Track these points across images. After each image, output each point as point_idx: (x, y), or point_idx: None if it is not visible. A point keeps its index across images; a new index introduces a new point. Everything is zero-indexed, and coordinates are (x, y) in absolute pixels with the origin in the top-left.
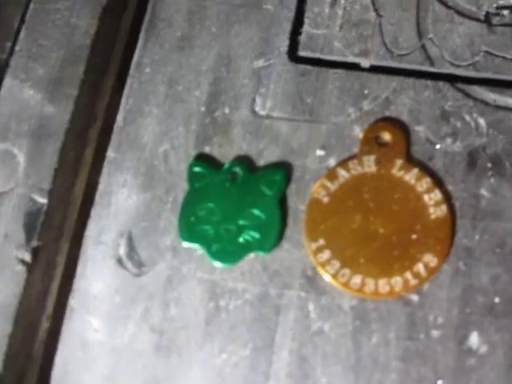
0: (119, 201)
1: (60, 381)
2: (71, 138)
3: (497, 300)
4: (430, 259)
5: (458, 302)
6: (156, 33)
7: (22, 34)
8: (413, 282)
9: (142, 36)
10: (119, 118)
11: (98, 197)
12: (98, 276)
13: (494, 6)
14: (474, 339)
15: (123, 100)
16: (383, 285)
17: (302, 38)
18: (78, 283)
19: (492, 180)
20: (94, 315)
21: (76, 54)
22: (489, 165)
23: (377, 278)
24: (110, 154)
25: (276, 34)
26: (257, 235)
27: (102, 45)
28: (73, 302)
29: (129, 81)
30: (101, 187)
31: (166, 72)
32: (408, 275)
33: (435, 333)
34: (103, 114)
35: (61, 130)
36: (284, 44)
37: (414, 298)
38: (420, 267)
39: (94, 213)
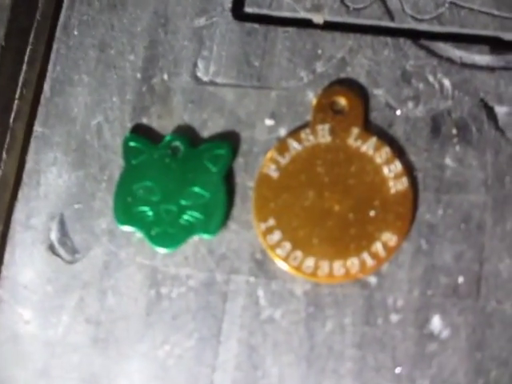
0: (49, 180)
1: None
2: None
3: (461, 280)
4: (389, 237)
5: (419, 283)
6: None
7: None
8: (370, 263)
9: None
10: (46, 87)
11: (25, 176)
12: (27, 263)
13: None
14: (435, 323)
15: (50, 67)
16: (338, 267)
17: None
18: (6, 271)
19: (457, 148)
20: (24, 306)
21: None
22: (454, 131)
23: (331, 260)
24: (37, 128)
25: None
26: (200, 216)
27: (25, 5)
28: (1, 291)
29: (55, 45)
30: (28, 166)
31: (97, 34)
32: (365, 256)
33: (394, 317)
34: (34, 85)
35: None
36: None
37: (372, 280)
38: (378, 247)
39: (21, 194)
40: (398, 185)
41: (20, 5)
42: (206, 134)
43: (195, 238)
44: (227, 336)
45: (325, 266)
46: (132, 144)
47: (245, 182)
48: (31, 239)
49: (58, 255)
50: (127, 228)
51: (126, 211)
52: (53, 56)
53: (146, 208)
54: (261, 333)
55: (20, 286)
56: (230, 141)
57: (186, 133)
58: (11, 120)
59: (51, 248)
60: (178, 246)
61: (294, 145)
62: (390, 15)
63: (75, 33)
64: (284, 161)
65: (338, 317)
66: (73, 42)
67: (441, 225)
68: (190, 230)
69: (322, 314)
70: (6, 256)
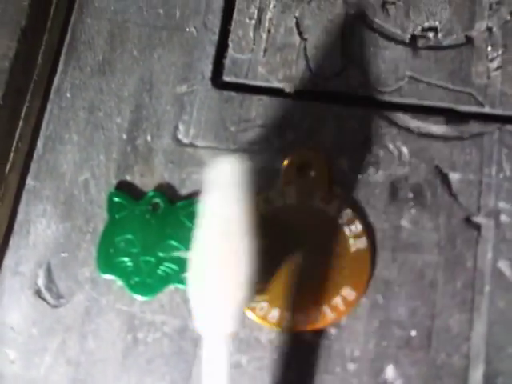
0: (38, 230)
1: None
2: None
3: (413, 333)
4: (349, 293)
5: (374, 335)
6: (76, 56)
7: None
8: (331, 315)
9: (62, 59)
10: (39, 144)
11: (16, 226)
12: (15, 307)
13: (420, 28)
14: (389, 372)
15: (43, 126)
16: (301, 318)
17: (227, 62)
18: None
19: (413, 211)
20: (10, 347)
21: None
22: (410, 195)
23: (294, 312)
24: (29, 182)
25: (199, 59)
26: (176, 267)
27: (22, 68)
28: None
29: (49, 106)
30: (19, 216)
31: (87, 97)
32: (326, 309)
33: (351, 366)
34: (29, 139)
35: None
36: (207, 69)
37: (332, 330)
38: (338, 301)
39: (12, 242)
40: (357, 244)
41: (18, 68)
42: (184, 191)
43: (171, 287)
44: (197, 380)
45: (288, 316)
46: (116, 199)
47: None
48: (19, 284)
49: (43, 299)
50: (108, 276)
51: (107, 261)
52: (46, 116)
53: (126, 259)
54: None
55: (7, 327)
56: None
57: (166, 190)
58: (6, 171)
59: (38, 293)
60: (154, 294)
61: (263, 205)
62: (355, 87)
63: (67, 95)
64: (254, 220)
65: (300, 364)
66: (65, 103)
67: (396, 282)
68: (166, 280)
69: (285, 361)
70: None
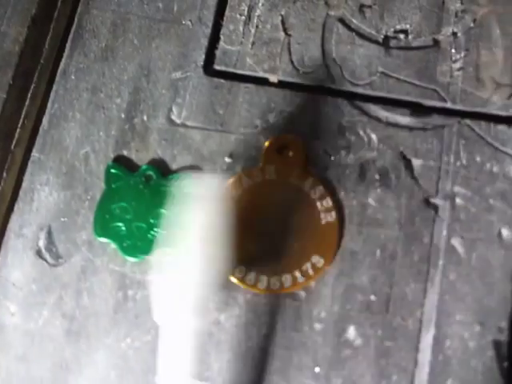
0: (41, 197)
1: None
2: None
3: (373, 298)
4: (318, 260)
5: (339, 299)
6: (81, 43)
7: None
8: (301, 280)
9: (68, 45)
10: (44, 121)
11: (21, 193)
12: (17, 265)
13: (392, 30)
14: (351, 332)
15: (49, 104)
16: (274, 281)
17: (218, 53)
18: None
19: (379, 190)
20: (11, 301)
21: (5, 60)
22: (377, 177)
23: (269, 275)
24: (35, 154)
25: (193, 49)
26: (164, 233)
27: (30, 52)
28: None
29: (54, 87)
30: (24, 184)
31: (90, 80)
32: (297, 274)
33: (318, 326)
34: (34, 117)
35: None
36: (200, 58)
37: (302, 294)
38: (308, 267)
39: (17, 207)
40: (327, 217)
41: (27, 51)
42: (174, 166)
43: (159, 250)
44: None
45: (264, 279)
46: (113, 171)
47: None
48: (22, 245)
49: (43, 259)
50: (103, 240)
51: (103, 226)
52: (52, 95)
53: (120, 224)
54: (207, 332)
55: (9, 283)
56: (193, 173)
57: (159, 165)
58: (13, 145)
59: (38, 253)
60: (144, 256)
61: (246, 180)
62: (332, 79)
63: (72, 77)
64: (237, 192)
65: (272, 323)
66: (70, 85)
67: (361, 252)
68: (155, 243)
69: (259, 320)
70: (0, 258)
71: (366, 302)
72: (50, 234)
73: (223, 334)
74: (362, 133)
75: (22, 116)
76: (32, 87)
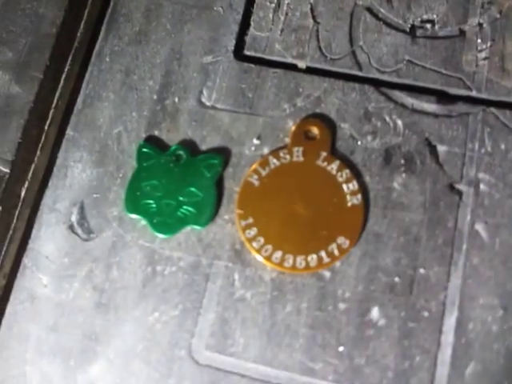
0: (74, 174)
1: (9, 329)
2: (34, 117)
3: (397, 280)
4: (343, 241)
5: (363, 280)
6: (116, 26)
7: None
8: (326, 260)
9: (103, 28)
10: (79, 100)
11: (55, 169)
12: (50, 239)
13: (419, 19)
14: (374, 313)
15: (83, 85)
16: (300, 261)
17: (248, 39)
18: (33, 244)
19: (404, 175)
20: (44, 273)
21: (43, 41)
22: (402, 161)
23: (295, 255)
24: (69, 132)
25: (224, 34)
26: (194, 211)
27: (66, 34)
28: (26, 260)
29: (90, 68)
30: (59, 161)
31: (124, 62)
32: (322, 254)
33: (342, 305)
34: (67, 98)
35: (25, 108)
36: (231, 43)
37: (327, 274)
38: (334, 247)
39: (51, 183)
40: (353, 200)
41: (63, 33)
42: (204, 147)
43: (188, 228)
44: (206, 309)
45: (289, 258)
46: (144, 150)
47: (232, 187)
48: (55, 219)
49: (75, 234)
50: (134, 216)
51: (134, 202)
52: (87, 76)
53: (150, 201)
54: (233, 309)
55: (42, 256)
56: (222, 154)
57: (189, 145)
58: (47, 125)
59: (71, 228)
60: (173, 233)
61: (273, 161)
62: (359, 66)
63: (107, 60)
64: (264, 173)
65: (297, 301)
66: (104, 66)
67: (385, 235)
68: (184, 221)
69: (284, 298)
70: (33, 232)
71: (390, 284)
72: (82, 209)
73: (249, 310)
74: (387, 119)
75: (56, 96)
76: (66, 69)
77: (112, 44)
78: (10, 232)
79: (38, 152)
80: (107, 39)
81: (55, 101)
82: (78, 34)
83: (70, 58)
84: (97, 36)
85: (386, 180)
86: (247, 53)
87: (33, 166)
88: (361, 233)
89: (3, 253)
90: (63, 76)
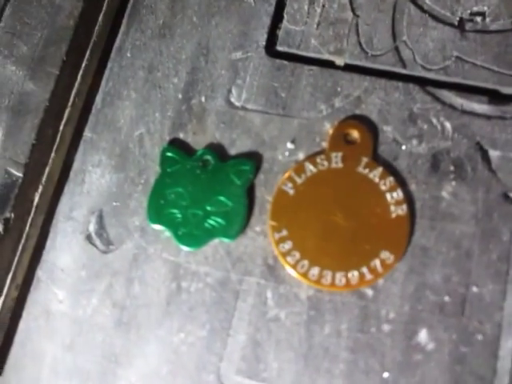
0: (92, 179)
1: (22, 346)
2: (50, 116)
3: (447, 299)
4: (387, 256)
5: (410, 299)
6: (138, 19)
7: (7, 11)
8: (369, 276)
9: (124, 21)
10: (98, 99)
11: (72, 174)
12: (66, 250)
13: (468, 12)
14: (422, 335)
15: (103, 82)
16: (340, 277)
17: (281, 33)
18: (47, 255)
19: (453, 183)
20: (59, 287)
21: (59, 34)
22: (451, 168)
23: (334, 271)
24: (87, 133)
25: (255, 28)
26: (223, 222)
27: (85, 27)
28: (40, 272)
29: (109, 64)
30: (76, 165)
31: (146, 58)
32: (364, 270)
33: (386, 327)
34: (85, 95)
35: (40, 107)
36: (262, 38)
37: (369, 292)
38: (377, 263)
39: (67, 189)
40: (398, 210)
41: (81, 26)
42: (233, 151)
43: (216, 240)
44: (236, 330)
45: (328, 275)
46: (169, 154)
47: (264, 196)
48: (71, 229)
49: (93, 245)
50: (157, 226)
51: (157, 212)
52: (106, 73)
53: (175, 210)
54: (266, 330)
55: (57, 269)
56: (254, 159)
57: (217, 149)
58: (62, 125)
59: (88, 238)
60: (200, 246)
61: (309, 167)
62: (403, 63)
63: (128, 55)
64: (300, 180)
65: (336, 322)
66: (125, 62)
67: (433, 249)
68: (212, 232)
69: (322, 318)
70: (48, 242)
71: (439, 303)
72: (100, 218)
73: (283, 332)
74: (435, 121)
75: (73, 94)
76: (84, 64)
77: (134, 38)
78: (23, 240)
79: (53, 154)
80: (128, 33)
81: (72, 99)
82: (97, 27)
83: (88, 53)
84: (117, 29)
85: (434, 188)
86: (280, 48)
87: (47, 170)
88: (406, 247)
89: (15, 262)
90: (81, 72)
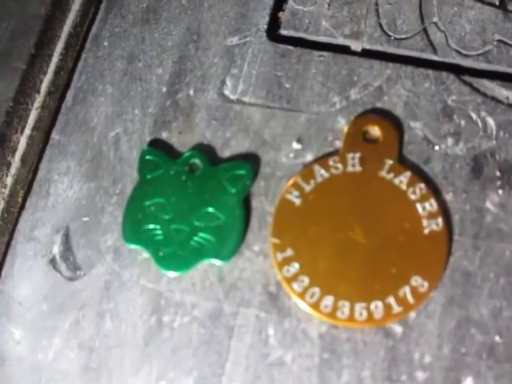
0: (59, 190)
1: None
2: (14, 118)
3: (498, 339)
4: (420, 283)
5: (450, 338)
6: (119, 3)
7: None
8: (397, 309)
9: (103, 6)
10: (69, 96)
11: (35, 185)
12: (25, 278)
13: None
14: None
15: (75, 76)
16: (360, 310)
17: (285, 14)
18: (3, 285)
19: (500, 192)
20: (16, 324)
21: (28, 25)
22: (497, 173)
23: (353, 301)
24: (54, 136)
25: (255, 9)
26: (213, 239)
27: (58, 15)
28: None
29: (83, 55)
30: (40, 174)
31: (126, 46)
32: (391, 300)
33: (421, 375)
34: (59, 94)
35: (2, 107)
36: (263, 20)
37: (397, 329)
38: (406, 291)
39: (29, 203)
40: (432, 225)
41: (54, 14)
42: (227, 153)
43: (205, 262)
44: (230, 377)
45: (345, 306)
46: (149, 157)
47: (264, 207)
48: (33, 252)
49: (58, 271)
50: (134, 246)
51: (134, 228)
52: (80, 65)
53: (156, 226)
54: (268, 377)
55: (15, 302)
56: (252, 162)
57: (207, 150)
58: (29, 129)
59: (52, 262)
60: (186, 269)
61: (320, 172)
62: (433, 48)
63: (105, 44)
64: (308, 188)
65: (356, 367)
66: (102, 52)
67: (478, 275)
68: (200, 253)
69: (339, 362)
70: (5, 268)
71: (489, 344)
72: (67, 237)
73: (290, 379)
74: (475, 116)
75: (44, 93)
76: (57, 59)
77: (113, 25)
78: None
79: (19, 163)
80: (107, 19)
81: (42, 98)
82: (73, 16)
83: (61, 46)
84: (95, 17)
85: (476, 198)
86: (284, 32)
87: (9, 181)
88: (443, 271)
89: None
90: (53, 68)
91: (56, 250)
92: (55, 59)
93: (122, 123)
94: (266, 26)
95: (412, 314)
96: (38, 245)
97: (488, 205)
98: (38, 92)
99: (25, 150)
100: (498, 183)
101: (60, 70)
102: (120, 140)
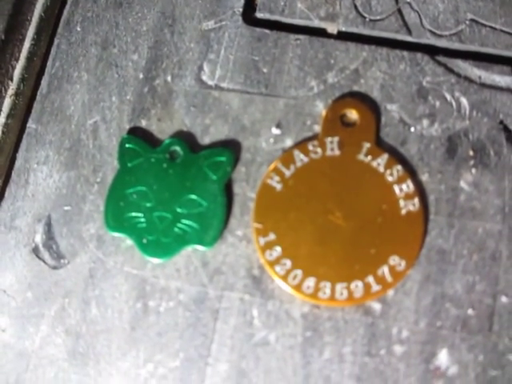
0: (38, 180)
1: None
2: None
3: (471, 312)
4: (397, 262)
5: (426, 314)
6: None
7: None
8: (375, 287)
9: None
10: (43, 83)
11: (14, 175)
12: (8, 267)
13: None
14: (443, 357)
15: (49, 63)
16: (341, 290)
17: None
18: None
19: (473, 171)
20: (1, 312)
21: None
22: (470, 153)
23: (334, 282)
24: (31, 125)
25: None
26: (196, 225)
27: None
28: None
29: (56, 41)
30: (18, 163)
31: (100, 32)
32: (370, 280)
33: (398, 348)
34: (33, 81)
35: None
36: (239, 3)
37: (376, 306)
38: (385, 271)
39: (8, 193)
40: (408, 205)
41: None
42: (207, 140)
43: (189, 249)
44: (216, 358)
45: (326, 287)
46: (128, 146)
47: (245, 193)
48: (14, 241)
49: (41, 259)
50: (117, 234)
51: (117, 216)
52: (53, 51)
53: (138, 214)
54: (253, 357)
55: None
56: (232, 148)
57: (187, 138)
58: (3, 117)
59: (35, 251)
60: (170, 256)
61: (300, 156)
62: (408, 29)
63: (78, 29)
64: (288, 173)
65: (338, 344)
66: (75, 37)
67: (452, 252)
68: (183, 239)
69: (321, 340)
70: None
71: (462, 318)
72: (49, 226)
73: (273, 358)
74: (449, 97)
75: (16, 80)
76: (29, 44)
77: (84, 9)
78: None
79: None
80: (78, 2)
81: (15, 86)
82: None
83: (33, 31)
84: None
85: (451, 178)
86: (260, 15)
87: None
88: (420, 250)
89: None
90: (25, 54)
91: (38, 239)
92: (27, 44)
93: (99, 111)
94: (241, 9)
95: (390, 292)
96: (20, 234)
97: (462, 184)
98: (11, 79)
99: (0, 139)
100: (472, 162)
101: (33, 56)
102: (98, 128)
